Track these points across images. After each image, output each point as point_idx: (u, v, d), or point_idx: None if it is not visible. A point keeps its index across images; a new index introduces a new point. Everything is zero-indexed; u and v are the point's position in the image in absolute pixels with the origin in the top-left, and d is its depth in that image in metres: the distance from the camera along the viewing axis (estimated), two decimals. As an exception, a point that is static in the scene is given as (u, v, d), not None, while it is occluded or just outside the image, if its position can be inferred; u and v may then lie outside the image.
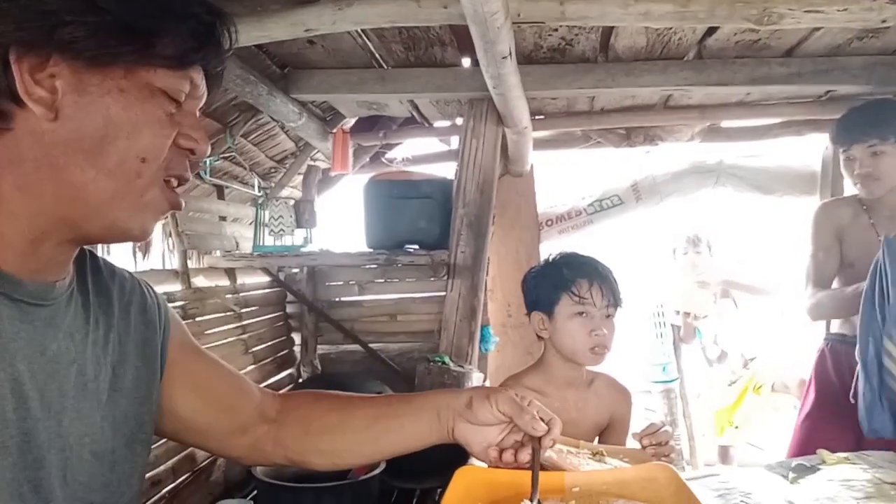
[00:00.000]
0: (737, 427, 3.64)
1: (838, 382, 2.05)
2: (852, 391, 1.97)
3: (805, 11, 1.55)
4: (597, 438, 1.55)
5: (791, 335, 3.83)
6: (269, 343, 2.60)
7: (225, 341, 2.26)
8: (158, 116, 0.68)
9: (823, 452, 1.24)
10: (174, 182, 0.72)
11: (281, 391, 2.50)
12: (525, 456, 0.86)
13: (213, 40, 0.71)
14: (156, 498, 1.62)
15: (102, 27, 0.62)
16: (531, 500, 0.84)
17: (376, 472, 1.53)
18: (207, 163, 2.28)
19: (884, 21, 1.57)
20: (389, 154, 3.34)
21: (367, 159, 3.21)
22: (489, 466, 0.91)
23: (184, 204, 0.74)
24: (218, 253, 2.39)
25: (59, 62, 0.62)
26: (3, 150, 0.63)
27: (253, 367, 2.41)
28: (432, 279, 2.49)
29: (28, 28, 0.60)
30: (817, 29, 2.02)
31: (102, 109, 0.64)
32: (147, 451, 0.83)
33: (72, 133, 0.63)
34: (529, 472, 1.02)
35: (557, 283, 1.49)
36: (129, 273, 0.86)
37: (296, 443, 0.93)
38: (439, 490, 1.64)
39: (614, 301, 1.48)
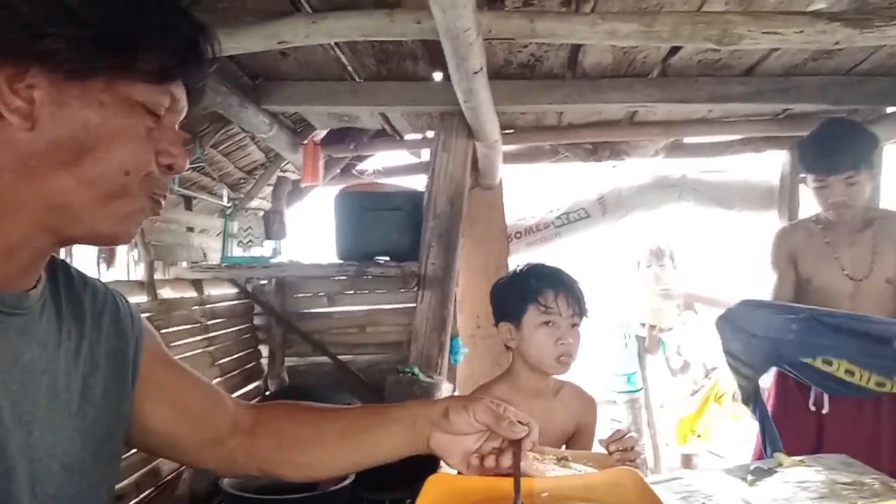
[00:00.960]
0: (699, 436, 3.71)
1: (797, 391, 2.12)
2: (812, 399, 2.05)
3: (763, 33, 1.62)
4: (564, 447, 1.57)
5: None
6: (236, 355, 2.57)
7: (191, 353, 2.23)
8: (137, 131, 0.67)
9: (780, 456, 1.29)
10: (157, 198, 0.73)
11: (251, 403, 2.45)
12: (507, 461, 0.86)
13: (196, 55, 0.71)
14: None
15: (83, 40, 0.62)
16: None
17: (345, 483, 1.53)
18: (176, 173, 2.27)
19: (836, 43, 1.65)
20: (360, 166, 3.35)
21: (338, 171, 3.21)
22: (470, 475, 0.92)
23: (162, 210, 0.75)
24: (185, 264, 2.37)
25: (38, 73, 0.61)
26: None
27: (220, 379, 2.38)
28: (402, 291, 2.50)
29: (7, 38, 0.60)
30: (775, 50, 2.11)
31: (81, 121, 0.64)
32: (116, 464, 0.81)
33: (49, 144, 0.63)
34: (500, 478, 1.03)
35: (524, 293, 1.51)
36: (102, 283, 0.84)
37: (269, 455, 0.92)
38: (408, 501, 1.64)
39: (580, 311, 1.51)
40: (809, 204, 2.87)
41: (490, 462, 0.86)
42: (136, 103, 0.67)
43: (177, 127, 0.74)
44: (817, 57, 2.20)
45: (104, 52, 0.63)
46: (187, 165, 0.75)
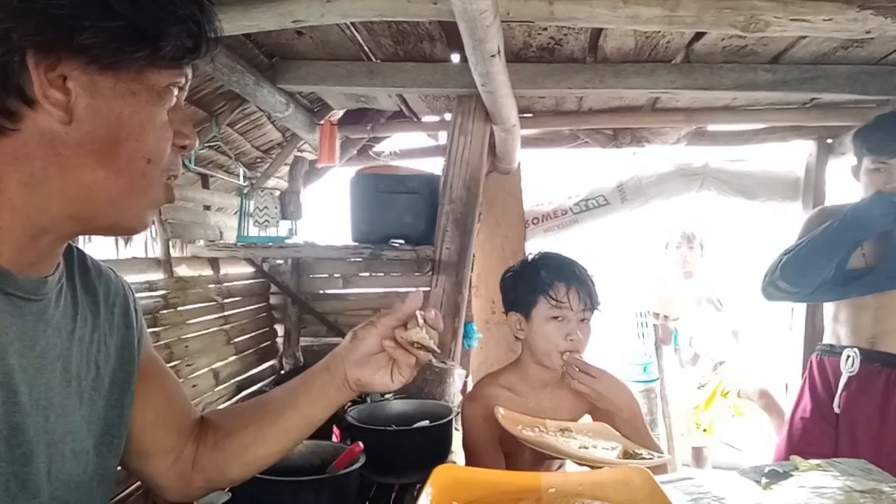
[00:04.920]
0: (704, 430, 3.68)
1: (825, 393, 2.08)
2: (836, 401, 2.01)
3: (791, 20, 1.57)
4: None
5: (757, 344, 3.91)
6: (252, 334, 2.59)
7: (207, 331, 2.25)
8: (162, 118, 0.70)
9: (797, 459, 1.25)
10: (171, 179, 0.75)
11: (263, 383, 2.46)
12: (414, 328, 0.92)
13: (207, 37, 0.72)
14: (121, 495, 1.60)
15: (119, 32, 0.63)
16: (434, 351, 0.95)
17: (356, 466, 1.53)
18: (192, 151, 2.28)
19: (868, 32, 1.59)
20: (377, 147, 3.33)
21: (355, 152, 3.19)
22: (397, 374, 0.93)
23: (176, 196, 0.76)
24: (201, 242, 2.38)
25: (69, 65, 0.62)
26: (11, 148, 0.63)
27: (234, 357, 2.40)
28: (417, 274, 2.49)
29: (47, 33, 0.60)
30: (803, 37, 2.04)
31: (115, 111, 0.65)
32: (115, 457, 0.81)
33: (85, 135, 0.64)
34: (504, 472, 1.03)
35: (535, 285, 1.49)
36: (116, 273, 0.86)
37: (209, 456, 0.92)
38: (418, 486, 1.65)
39: (591, 305, 1.48)
40: (834, 195, 2.80)
41: (400, 331, 0.91)
42: (162, 89, 0.69)
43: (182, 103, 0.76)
44: (847, 45, 2.13)
45: (136, 42, 0.64)
46: (198, 144, 0.77)
